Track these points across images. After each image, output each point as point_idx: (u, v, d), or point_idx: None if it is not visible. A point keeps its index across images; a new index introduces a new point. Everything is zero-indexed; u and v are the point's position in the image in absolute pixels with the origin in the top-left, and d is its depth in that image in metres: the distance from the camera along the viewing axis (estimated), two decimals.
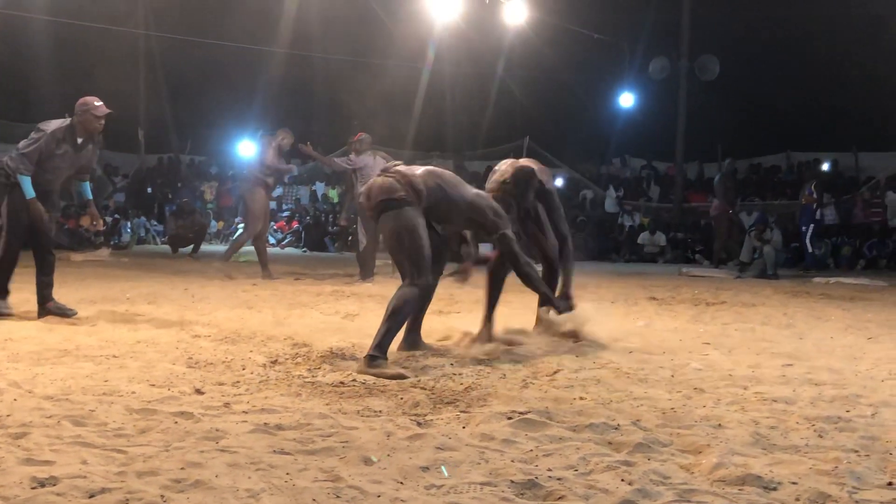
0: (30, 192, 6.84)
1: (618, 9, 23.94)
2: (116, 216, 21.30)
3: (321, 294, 9.26)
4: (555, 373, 4.86)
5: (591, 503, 2.67)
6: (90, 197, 7.51)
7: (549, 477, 2.88)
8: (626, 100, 25.27)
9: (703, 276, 14.55)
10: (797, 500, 2.73)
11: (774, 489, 2.82)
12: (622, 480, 2.87)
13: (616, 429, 3.53)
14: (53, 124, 6.98)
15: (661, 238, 20.72)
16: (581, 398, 4.16)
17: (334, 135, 24.60)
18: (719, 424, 3.66)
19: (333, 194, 24.65)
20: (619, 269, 16.82)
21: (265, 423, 3.54)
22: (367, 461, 3.04)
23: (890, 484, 2.90)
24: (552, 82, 24.42)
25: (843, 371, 5.11)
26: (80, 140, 7.05)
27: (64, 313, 6.88)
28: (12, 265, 7.07)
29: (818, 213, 16.65)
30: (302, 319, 7.11)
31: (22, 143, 6.94)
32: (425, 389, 4.32)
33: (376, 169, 10.73)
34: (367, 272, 11.17)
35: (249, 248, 12.17)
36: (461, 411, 3.85)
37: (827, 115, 24.27)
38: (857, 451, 3.28)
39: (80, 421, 3.56)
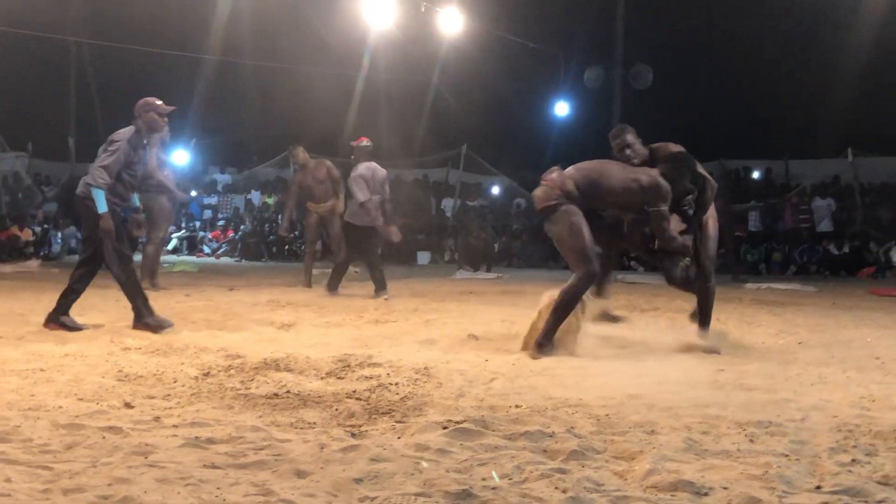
0: (103, 205, 6.80)
1: (553, 18, 24.15)
2: (46, 226, 20.83)
3: (256, 304, 9.15)
4: (491, 381, 4.87)
5: None
6: (137, 205, 7.51)
7: (484, 486, 2.88)
8: (562, 108, 25.51)
9: (639, 283, 14.72)
10: None
11: (706, 494, 2.85)
12: (556, 488, 2.87)
13: (551, 436, 3.54)
14: (125, 133, 7.00)
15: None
16: (517, 406, 4.17)
17: (267, 142, 24.41)
18: (653, 430, 3.70)
19: (270, 202, 24.43)
20: (555, 276, 16.93)
21: (196, 437, 3.48)
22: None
23: (818, 487, 2.96)
24: (488, 91, 24.54)
25: (774, 376, 5.20)
26: (145, 143, 7.16)
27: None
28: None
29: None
30: (236, 330, 7.02)
31: (99, 158, 6.92)
32: (361, 400, 4.29)
33: (377, 179, 10.59)
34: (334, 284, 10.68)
35: (183, 257, 11.99)
36: (397, 421, 3.83)
37: (759, 123, 24.82)
38: (787, 456, 3.34)
39: (5, 437, 3.46)
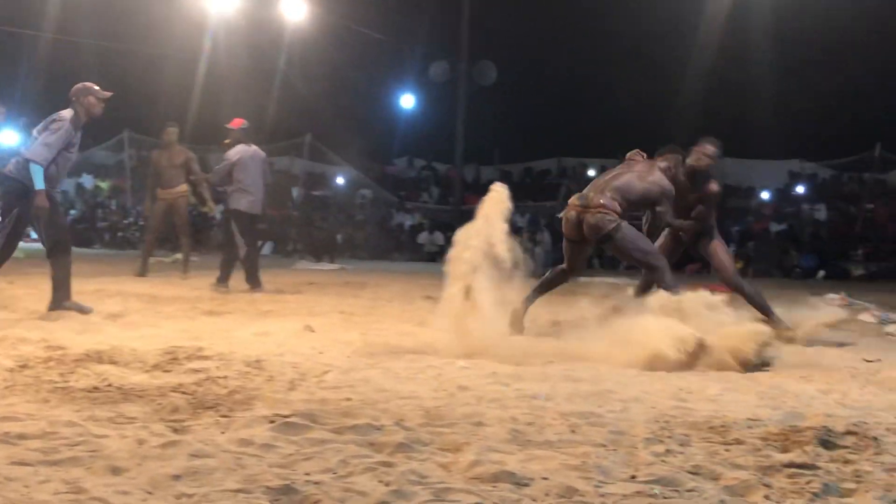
0: (40, 182, 6.77)
1: (399, 11, 24.22)
2: None
3: (82, 293, 8.74)
4: (324, 374, 4.82)
5: None
6: (63, 188, 7.33)
7: (307, 481, 2.84)
8: (407, 101, 25.64)
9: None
10: (547, 495, 2.83)
11: (526, 485, 2.91)
12: (380, 482, 2.87)
13: (379, 429, 3.53)
14: (67, 114, 7.03)
15: (439, 238, 21.15)
16: (348, 399, 4.15)
17: (102, 125, 23.45)
18: (479, 422, 3.74)
19: (104, 187, 23.48)
20: (398, 268, 17.02)
21: (6, 433, 3.29)
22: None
23: (633, 477, 3.06)
24: (334, 80, 24.38)
25: (599, 368, 5.36)
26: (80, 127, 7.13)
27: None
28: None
29: None
30: (59, 320, 6.71)
31: (42, 136, 6.91)
32: (186, 394, 4.16)
33: (255, 164, 10.02)
34: (254, 281, 10.15)
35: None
36: (222, 416, 3.74)
37: (595, 123, 25.63)
38: (605, 446, 3.44)
39: None
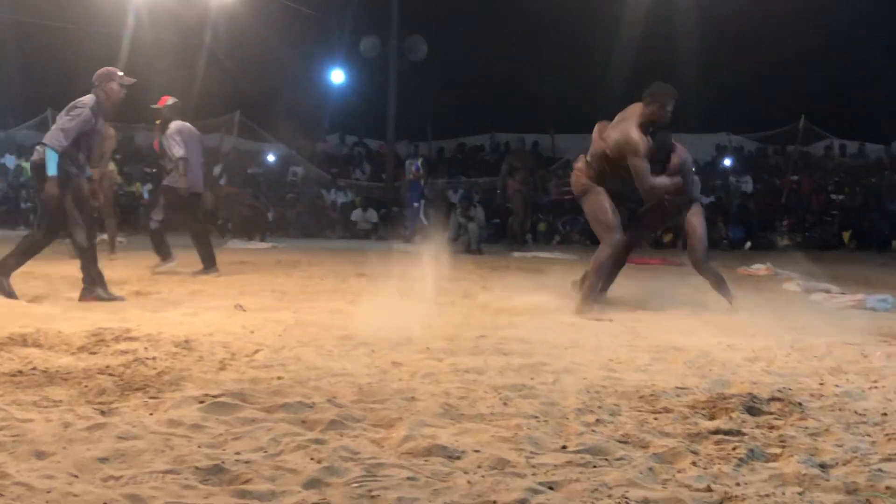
0: (53, 168, 6.74)
1: None
2: None
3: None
4: (255, 353, 4.77)
5: (278, 484, 2.63)
6: (90, 174, 7.65)
7: (237, 461, 2.81)
8: (337, 76, 25.39)
9: (413, 253, 14.92)
10: (479, 467, 2.84)
11: (458, 458, 2.92)
12: (311, 459, 2.85)
13: (311, 407, 3.51)
14: (88, 100, 7.01)
15: (373, 215, 21.06)
16: (279, 378, 4.11)
17: (25, 103, 22.83)
18: (412, 397, 3.75)
19: (27, 167, 22.85)
20: (332, 245, 16.92)
21: None
22: None
23: (564, 447, 3.09)
24: (263, 56, 24.02)
25: (531, 340, 5.41)
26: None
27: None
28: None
29: (425, 188, 17.86)
30: None
31: (60, 121, 6.89)
32: (114, 376, 4.08)
33: (193, 141, 9.65)
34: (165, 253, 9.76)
35: None
36: (150, 397, 3.67)
37: (528, 98, 25.71)
38: (536, 417, 3.47)
39: None
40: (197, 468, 2.74)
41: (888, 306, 7.65)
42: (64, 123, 6.85)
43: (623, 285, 7.78)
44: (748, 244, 18.36)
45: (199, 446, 2.98)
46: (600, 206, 7.02)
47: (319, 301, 7.45)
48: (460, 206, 16.43)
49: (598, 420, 3.45)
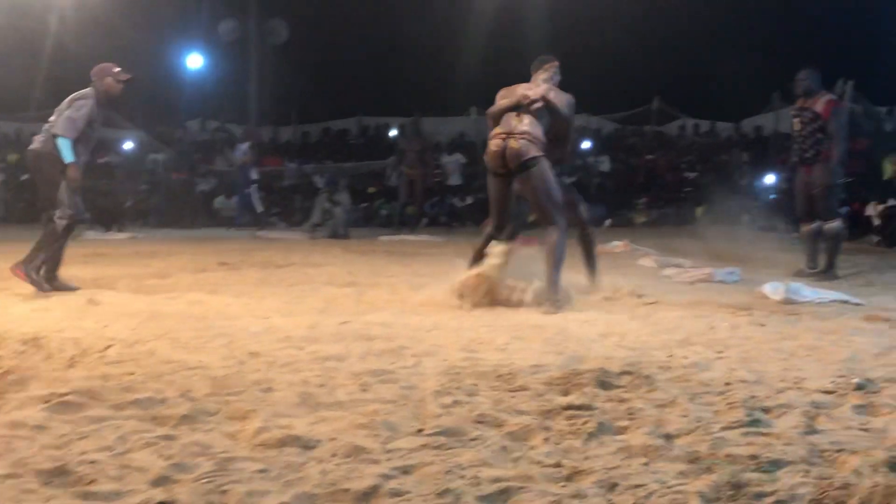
0: (69, 155, 6.95)
1: None
2: None
3: None
4: (107, 348, 4.59)
5: (123, 484, 2.55)
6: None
7: (81, 461, 2.71)
8: (195, 61, 24.71)
9: (278, 239, 14.75)
10: (334, 455, 2.82)
11: (313, 447, 2.89)
12: (160, 456, 2.77)
13: (162, 402, 3.41)
14: (89, 92, 7.16)
15: (235, 202, 20.62)
16: (131, 373, 3.97)
17: None
18: (269, 388, 3.69)
19: None
20: (193, 234, 16.50)
21: None
22: None
23: (420, 430, 3.10)
24: (116, 40, 23.11)
25: (394, 325, 5.40)
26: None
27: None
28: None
29: (253, 172, 17.81)
30: None
31: (67, 111, 7.04)
32: None
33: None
34: None
35: None
36: None
37: (394, 81, 25.63)
38: (394, 402, 3.47)
39: None
40: (40, 471, 2.62)
41: (735, 279, 8.00)
42: (71, 113, 7.05)
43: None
44: (608, 222, 18.85)
45: (42, 448, 2.86)
46: (552, 182, 6.39)
47: (177, 292, 7.24)
48: (326, 190, 16.28)
49: (455, 401, 3.47)
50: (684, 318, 5.66)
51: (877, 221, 14.33)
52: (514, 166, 6.32)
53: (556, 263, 6.21)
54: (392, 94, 25.92)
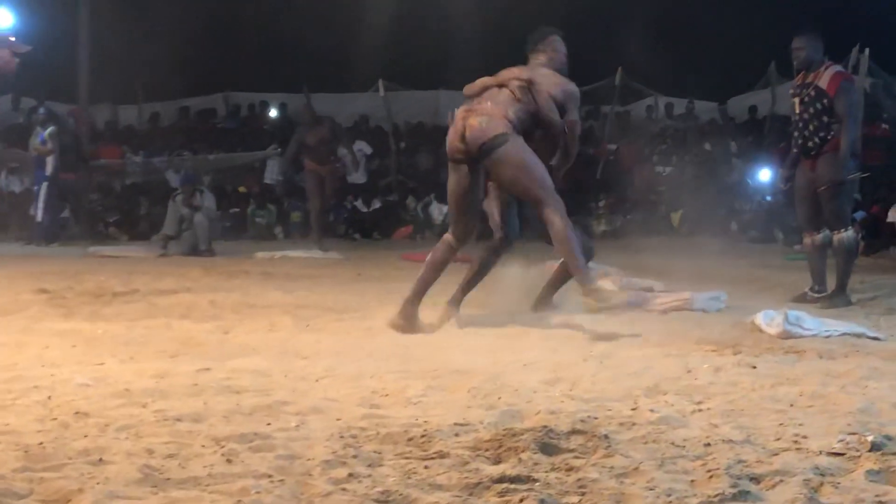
0: None
1: None
2: None
3: None
4: None
5: None
6: None
7: None
8: (4, 18, 24.26)
9: (117, 257, 14.56)
10: None
11: None
12: None
13: None
14: None
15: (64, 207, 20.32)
16: None
17: None
18: (101, 459, 3.63)
19: None
20: (4, 250, 16.18)
21: None
22: None
23: None
24: None
25: (271, 372, 5.37)
26: None
27: None
28: None
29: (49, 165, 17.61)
30: None
31: None
32: None
33: None
34: None
35: None
36: None
37: (276, 46, 25.51)
38: (270, 476, 3.44)
39: None
40: None
41: (720, 306, 8.12)
42: None
43: (399, 292, 7.87)
44: None
45: None
46: (532, 159, 6.58)
47: None
48: (182, 191, 16.07)
49: (350, 475, 3.46)
50: (653, 359, 5.74)
51: None
52: (476, 149, 6.46)
53: (572, 249, 6.64)
54: (272, 62, 25.83)
